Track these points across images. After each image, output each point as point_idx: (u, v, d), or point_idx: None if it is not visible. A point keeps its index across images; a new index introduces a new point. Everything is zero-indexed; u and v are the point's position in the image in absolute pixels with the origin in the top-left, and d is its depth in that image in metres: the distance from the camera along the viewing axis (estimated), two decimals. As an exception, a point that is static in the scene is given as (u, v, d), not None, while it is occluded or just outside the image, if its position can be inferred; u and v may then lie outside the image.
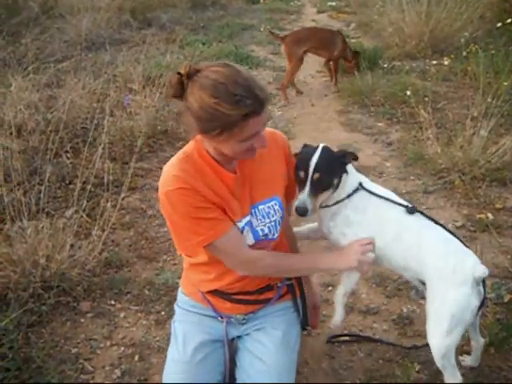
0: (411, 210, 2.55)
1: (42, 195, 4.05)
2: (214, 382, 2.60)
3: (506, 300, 3.51)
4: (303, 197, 2.43)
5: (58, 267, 3.62)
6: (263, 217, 2.49)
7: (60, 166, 5.17)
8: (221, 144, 2.23)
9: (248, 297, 2.61)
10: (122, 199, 4.48)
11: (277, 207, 2.53)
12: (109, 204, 4.16)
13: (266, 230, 2.51)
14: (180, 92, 2.18)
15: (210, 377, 2.59)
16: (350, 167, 2.60)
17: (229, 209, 2.40)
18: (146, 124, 5.92)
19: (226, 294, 2.63)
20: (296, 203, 2.44)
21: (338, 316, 2.82)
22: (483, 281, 2.52)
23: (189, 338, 2.66)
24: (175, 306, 2.86)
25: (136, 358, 3.21)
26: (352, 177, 2.61)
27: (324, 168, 2.44)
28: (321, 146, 2.51)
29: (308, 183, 2.43)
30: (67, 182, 5.03)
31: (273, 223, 2.52)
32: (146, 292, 3.76)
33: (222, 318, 2.68)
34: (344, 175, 2.56)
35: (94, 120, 5.10)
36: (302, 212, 2.42)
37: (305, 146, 2.61)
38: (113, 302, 3.66)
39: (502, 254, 4.12)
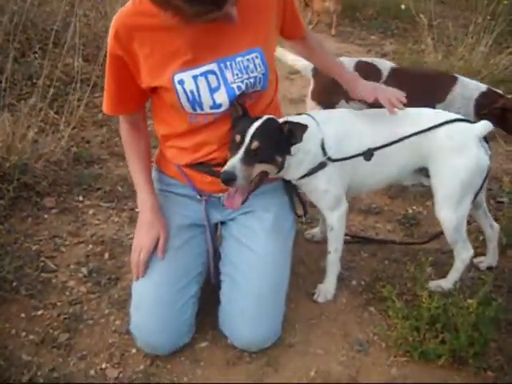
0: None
1: (5, 92, 3.61)
2: (194, 273, 2.24)
3: (519, 202, 3.25)
4: (233, 161, 1.99)
5: (18, 158, 3.20)
6: (240, 71, 2.07)
7: (28, 65, 4.72)
8: None
9: None
10: (96, 97, 4.05)
11: (258, 61, 2.10)
12: (76, 98, 3.81)
13: (243, 87, 2.09)
14: None
15: (189, 266, 2.23)
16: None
17: (174, 58, 2.03)
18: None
19: (206, 165, 2.23)
20: (224, 167, 2.00)
21: (331, 286, 2.55)
22: (485, 139, 2.42)
23: None
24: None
25: (106, 255, 2.82)
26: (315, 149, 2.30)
27: (265, 138, 2.06)
28: (266, 116, 2.14)
29: (243, 149, 2.02)
30: (34, 80, 4.55)
31: (252, 80, 2.10)
32: (119, 188, 3.39)
33: (201, 196, 2.30)
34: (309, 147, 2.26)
35: (66, 21, 4.61)
36: (228, 176, 1.96)
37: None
38: (81, 198, 3.28)
39: (511, 160, 3.87)
